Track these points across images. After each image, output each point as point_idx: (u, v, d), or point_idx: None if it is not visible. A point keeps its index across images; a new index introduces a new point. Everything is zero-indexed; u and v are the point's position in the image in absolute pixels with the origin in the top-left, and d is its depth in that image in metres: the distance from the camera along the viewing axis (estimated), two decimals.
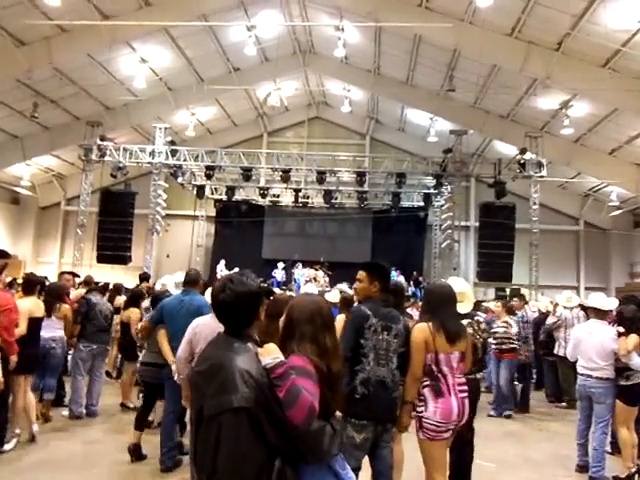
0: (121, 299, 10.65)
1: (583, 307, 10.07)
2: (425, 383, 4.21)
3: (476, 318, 5.44)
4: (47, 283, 8.96)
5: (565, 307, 10.67)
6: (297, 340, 2.56)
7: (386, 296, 4.25)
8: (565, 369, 9.74)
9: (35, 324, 6.57)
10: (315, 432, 2.30)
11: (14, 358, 5.85)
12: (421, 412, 4.18)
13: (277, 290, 12.42)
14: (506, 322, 9.22)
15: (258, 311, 2.55)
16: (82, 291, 9.36)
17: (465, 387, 4.36)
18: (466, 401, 4.31)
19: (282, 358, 2.34)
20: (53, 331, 7.36)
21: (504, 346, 9.16)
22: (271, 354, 2.34)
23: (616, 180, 20.02)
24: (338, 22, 17.50)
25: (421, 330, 4.24)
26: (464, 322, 5.07)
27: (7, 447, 6.23)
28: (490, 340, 8.47)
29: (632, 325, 6.10)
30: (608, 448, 6.75)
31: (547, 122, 19.32)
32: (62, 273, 10.76)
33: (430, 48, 17.82)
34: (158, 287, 9.49)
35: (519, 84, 17.65)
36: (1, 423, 6.17)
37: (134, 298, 9.30)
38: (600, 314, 6.53)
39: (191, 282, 6.34)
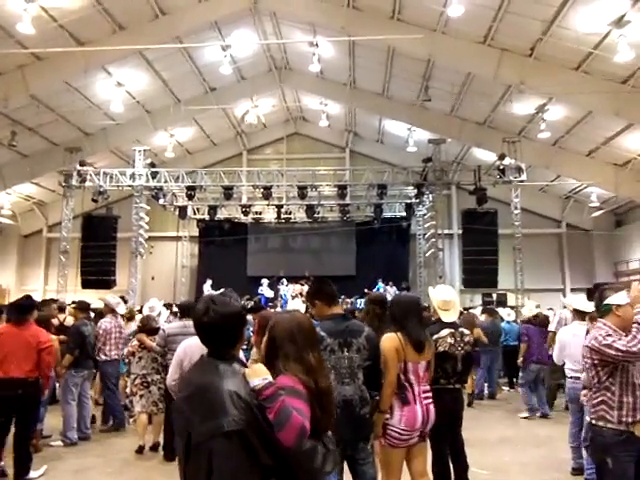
0: None
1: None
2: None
3: (460, 329, 5.30)
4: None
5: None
6: (282, 360, 2.51)
7: (341, 307, 4.32)
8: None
9: None
10: (308, 451, 2.25)
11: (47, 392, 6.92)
12: (387, 419, 4.26)
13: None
14: None
15: (242, 331, 2.51)
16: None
17: (429, 394, 4.46)
18: (431, 407, 4.41)
19: (271, 379, 2.30)
20: None
21: None
22: (259, 375, 2.29)
23: (595, 181, 20.21)
24: (312, 38, 17.57)
25: (391, 339, 4.32)
26: (445, 332, 5.12)
27: (36, 474, 6.28)
28: None
29: None
30: None
31: (524, 127, 19.44)
32: (48, 301, 10.63)
33: (404, 59, 17.91)
34: (146, 310, 9.52)
35: (494, 91, 17.76)
36: (28, 452, 6.23)
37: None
38: (582, 315, 6.58)
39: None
